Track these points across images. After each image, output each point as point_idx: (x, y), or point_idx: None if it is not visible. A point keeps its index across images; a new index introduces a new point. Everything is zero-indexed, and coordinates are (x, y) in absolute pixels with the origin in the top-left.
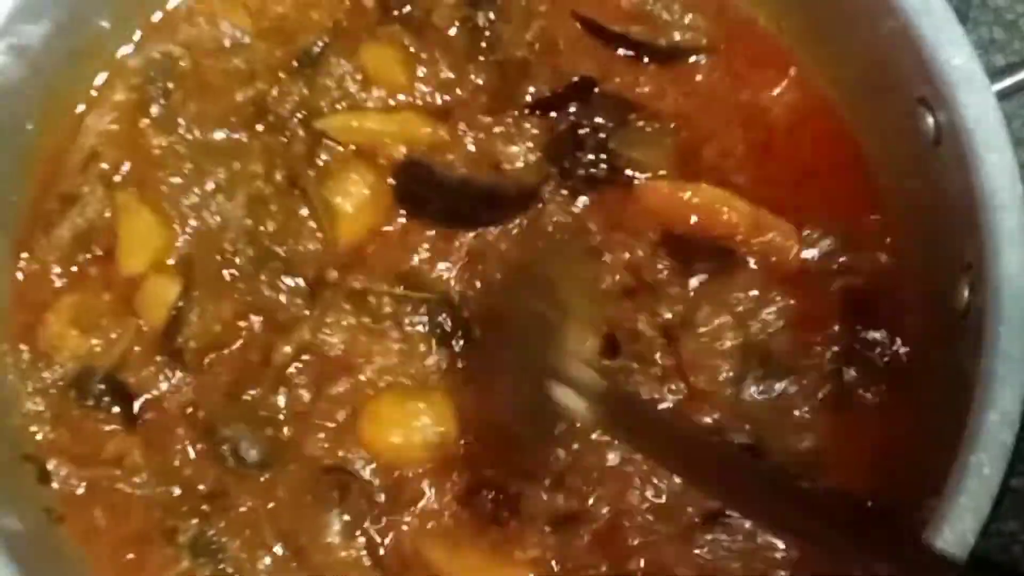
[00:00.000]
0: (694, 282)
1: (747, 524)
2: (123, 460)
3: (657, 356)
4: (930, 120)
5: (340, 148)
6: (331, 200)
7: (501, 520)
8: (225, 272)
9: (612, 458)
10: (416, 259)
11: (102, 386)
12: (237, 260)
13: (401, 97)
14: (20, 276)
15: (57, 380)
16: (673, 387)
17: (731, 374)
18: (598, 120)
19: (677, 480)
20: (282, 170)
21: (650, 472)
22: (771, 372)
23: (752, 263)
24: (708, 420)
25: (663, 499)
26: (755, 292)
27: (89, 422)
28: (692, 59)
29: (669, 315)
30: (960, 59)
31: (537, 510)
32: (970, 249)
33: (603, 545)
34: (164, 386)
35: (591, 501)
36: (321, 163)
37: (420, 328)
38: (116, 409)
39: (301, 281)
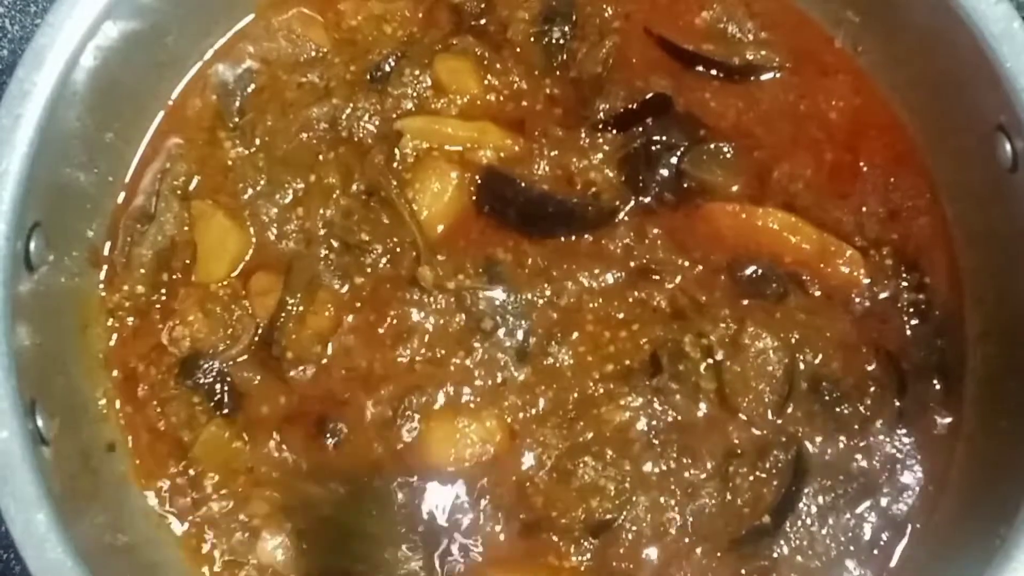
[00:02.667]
0: (748, 305)
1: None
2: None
3: (698, 378)
4: (1008, 147)
5: (418, 150)
6: (415, 200)
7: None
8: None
9: (648, 468)
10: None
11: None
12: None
13: (476, 106)
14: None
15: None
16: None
17: (775, 397)
18: (672, 139)
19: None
20: (360, 182)
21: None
22: (818, 398)
23: (815, 290)
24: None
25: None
26: (812, 318)
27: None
28: (764, 77)
29: (716, 337)
30: None
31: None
32: None
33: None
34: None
35: (626, 510)
36: (400, 168)
37: (504, 338)
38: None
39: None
